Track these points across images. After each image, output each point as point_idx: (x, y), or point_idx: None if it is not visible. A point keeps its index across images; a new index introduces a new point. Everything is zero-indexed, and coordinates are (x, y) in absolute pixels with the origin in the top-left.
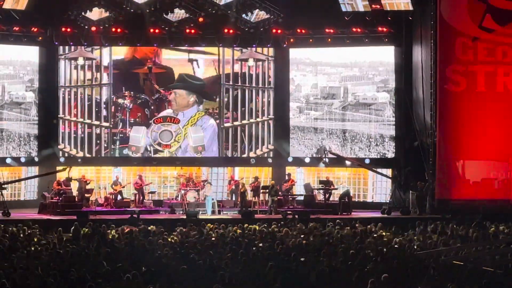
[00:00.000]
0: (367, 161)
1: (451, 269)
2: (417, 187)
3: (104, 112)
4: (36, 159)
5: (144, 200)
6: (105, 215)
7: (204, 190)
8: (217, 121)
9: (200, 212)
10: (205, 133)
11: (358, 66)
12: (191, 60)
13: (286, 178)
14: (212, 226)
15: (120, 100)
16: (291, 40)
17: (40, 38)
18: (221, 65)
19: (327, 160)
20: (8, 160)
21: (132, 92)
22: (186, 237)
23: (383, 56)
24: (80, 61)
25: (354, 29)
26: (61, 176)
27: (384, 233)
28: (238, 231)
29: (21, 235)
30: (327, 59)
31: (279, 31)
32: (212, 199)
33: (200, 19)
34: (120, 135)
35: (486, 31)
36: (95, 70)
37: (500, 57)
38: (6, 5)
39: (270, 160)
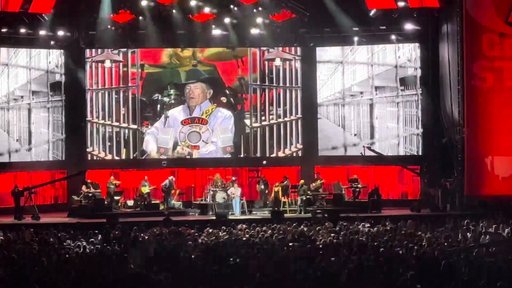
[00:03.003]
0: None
1: (482, 265)
2: (442, 184)
3: (131, 114)
4: (64, 162)
5: (173, 202)
6: (135, 217)
7: (232, 191)
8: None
9: (230, 212)
10: (228, 125)
11: (385, 64)
12: (236, 57)
13: (315, 177)
14: (243, 226)
15: (165, 99)
16: (318, 39)
17: (66, 41)
18: (248, 65)
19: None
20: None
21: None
22: (216, 238)
23: (410, 53)
24: (107, 63)
25: (380, 27)
26: (88, 182)
27: (414, 230)
28: (268, 231)
29: (51, 239)
30: (353, 57)
31: (305, 30)
32: (241, 200)
33: (227, 19)
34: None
35: None
36: (122, 72)
37: None
38: (32, 9)
39: (299, 160)
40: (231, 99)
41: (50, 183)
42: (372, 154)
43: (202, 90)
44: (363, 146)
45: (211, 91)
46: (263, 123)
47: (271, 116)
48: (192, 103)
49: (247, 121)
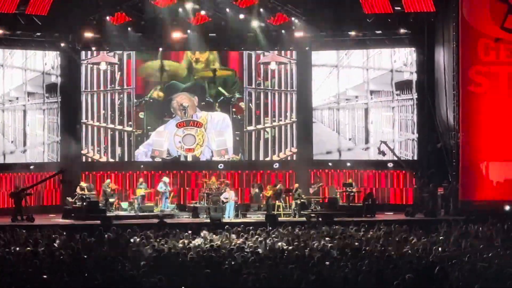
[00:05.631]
0: (390, 164)
1: (476, 271)
2: (431, 189)
3: (127, 116)
4: (59, 164)
5: (167, 205)
6: (129, 219)
7: (226, 195)
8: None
9: (224, 215)
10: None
11: (380, 68)
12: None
13: (310, 181)
14: (235, 229)
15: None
16: (313, 42)
17: (62, 43)
18: (244, 68)
19: (382, 151)
20: (32, 166)
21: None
22: (210, 241)
23: (406, 57)
24: (103, 65)
25: (375, 31)
26: (83, 184)
27: (407, 235)
28: (262, 234)
29: (45, 241)
30: (348, 61)
31: (301, 34)
32: (236, 204)
33: (223, 23)
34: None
35: (508, 31)
36: (118, 74)
37: None
38: (28, 11)
39: (293, 164)
40: (250, 104)
41: (33, 186)
42: (377, 157)
43: (189, 98)
44: (380, 141)
45: (196, 98)
46: (258, 126)
47: (265, 120)
48: (185, 114)
49: (243, 124)
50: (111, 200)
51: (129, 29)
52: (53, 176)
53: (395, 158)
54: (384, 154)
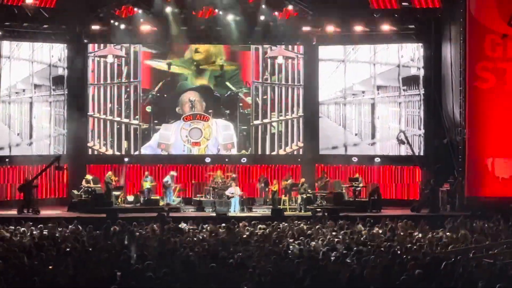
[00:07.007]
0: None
1: (481, 267)
2: (432, 185)
3: (133, 110)
4: (65, 157)
5: (172, 198)
6: (135, 213)
7: (231, 190)
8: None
9: (229, 209)
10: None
11: (387, 64)
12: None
13: (317, 175)
14: (243, 223)
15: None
16: (320, 37)
17: (69, 36)
18: (251, 62)
19: (400, 140)
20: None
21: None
22: (216, 235)
23: (413, 53)
24: (110, 58)
25: (382, 27)
26: (88, 177)
27: (413, 231)
28: (268, 229)
29: (51, 233)
30: (356, 56)
31: (308, 28)
32: (242, 198)
33: (230, 17)
34: None
35: None
36: (124, 67)
37: None
38: (36, 3)
39: (299, 158)
40: (257, 99)
41: (36, 177)
42: (383, 152)
43: (199, 100)
44: (400, 130)
45: (204, 103)
46: (264, 120)
47: (272, 114)
48: (192, 109)
49: (250, 119)
50: (115, 193)
51: (136, 22)
52: (51, 164)
53: (401, 153)
54: (403, 143)
